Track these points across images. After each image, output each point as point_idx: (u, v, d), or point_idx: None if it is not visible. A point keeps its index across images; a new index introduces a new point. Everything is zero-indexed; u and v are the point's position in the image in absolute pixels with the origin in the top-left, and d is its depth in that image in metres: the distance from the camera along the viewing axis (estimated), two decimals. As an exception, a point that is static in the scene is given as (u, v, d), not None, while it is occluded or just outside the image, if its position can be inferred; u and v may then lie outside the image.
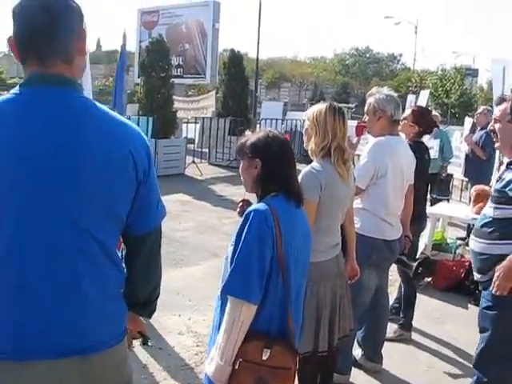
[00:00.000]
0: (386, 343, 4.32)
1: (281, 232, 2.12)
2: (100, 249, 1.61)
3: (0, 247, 1.50)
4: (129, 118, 12.44)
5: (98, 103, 1.65)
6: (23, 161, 1.48)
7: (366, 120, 3.98)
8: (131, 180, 1.64)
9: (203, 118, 16.90)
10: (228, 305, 2.12)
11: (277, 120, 17.36)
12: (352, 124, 4.81)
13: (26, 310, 1.52)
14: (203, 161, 15.82)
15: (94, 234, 1.58)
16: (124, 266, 1.80)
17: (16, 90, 1.57)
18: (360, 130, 4.52)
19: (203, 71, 19.02)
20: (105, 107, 1.66)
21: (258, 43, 26.13)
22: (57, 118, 1.53)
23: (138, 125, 12.54)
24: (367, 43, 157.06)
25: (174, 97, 14.95)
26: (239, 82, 17.07)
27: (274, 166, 2.27)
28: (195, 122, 18.23)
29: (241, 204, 2.88)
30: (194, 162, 14.54)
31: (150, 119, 12.66)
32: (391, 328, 4.72)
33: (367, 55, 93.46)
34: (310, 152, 3.10)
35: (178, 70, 19.18)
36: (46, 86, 1.56)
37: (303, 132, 3.23)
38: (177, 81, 16.83)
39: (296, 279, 2.22)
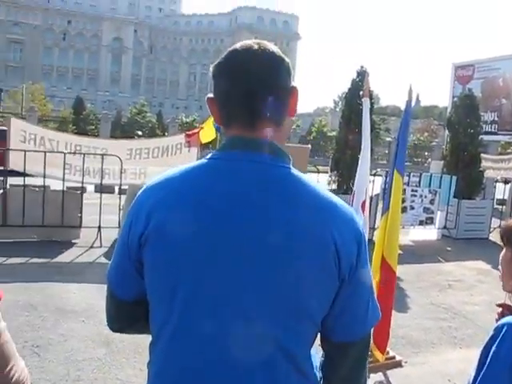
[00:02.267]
0: None
1: None
2: (285, 357, 1.35)
3: (165, 335, 1.39)
4: (431, 176, 12.62)
5: (303, 175, 1.43)
6: (198, 236, 1.34)
7: None
8: (331, 275, 1.36)
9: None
10: None
11: None
12: None
13: None
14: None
15: (277, 339, 1.34)
16: (319, 374, 1.51)
17: (212, 154, 1.47)
18: None
19: (522, 127, 18.04)
20: (311, 181, 1.43)
21: None
22: (246, 189, 1.36)
23: (441, 183, 12.60)
24: None
25: (483, 155, 14.47)
26: None
27: None
28: (505, 182, 17.31)
29: (500, 310, 2.29)
30: (500, 226, 13.59)
31: (454, 178, 12.54)
32: None
33: None
34: None
35: (492, 126, 18.43)
36: (243, 151, 1.40)
37: None
38: (489, 138, 16.22)
39: None
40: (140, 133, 46.80)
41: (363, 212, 4.97)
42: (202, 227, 1.34)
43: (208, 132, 10.65)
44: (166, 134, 37.49)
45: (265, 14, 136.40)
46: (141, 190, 1.48)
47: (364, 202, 4.94)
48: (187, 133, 11.43)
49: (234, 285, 1.33)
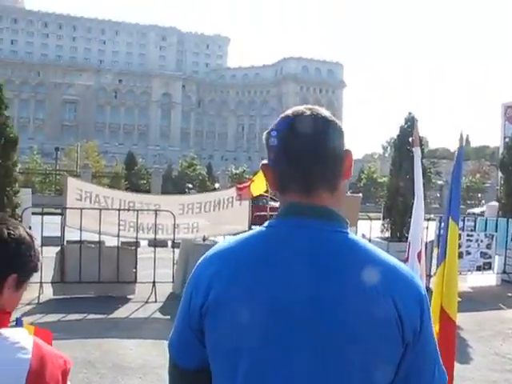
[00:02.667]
0: None
1: None
2: None
3: None
4: (486, 220, 12.34)
5: (360, 239, 1.43)
6: (255, 310, 1.34)
7: None
8: (395, 342, 1.33)
9: None
10: None
11: None
12: None
13: None
14: None
15: None
16: None
17: (268, 222, 1.47)
18: None
19: None
20: (368, 245, 1.43)
21: None
22: (301, 257, 1.36)
23: (497, 226, 12.31)
24: None
25: (541, 197, 14.10)
26: None
27: None
28: None
29: None
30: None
31: (511, 220, 12.21)
32: None
33: None
34: None
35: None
36: (299, 218, 1.41)
37: None
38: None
39: None
40: (190, 185, 47.57)
41: (419, 262, 4.91)
42: (259, 301, 1.34)
43: (259, 184, 10.76)
44: (217, 185, 37.94)
45: (309, 64, 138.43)
46: (200, 260, 1.51)
47: (420, 252, 4.89)
48: (238, 186, 11.58)
49: (289, 365, 1.31)
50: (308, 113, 1.46)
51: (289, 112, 1.50)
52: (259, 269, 1.38)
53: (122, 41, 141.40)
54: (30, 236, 1.62)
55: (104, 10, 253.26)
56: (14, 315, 1.64)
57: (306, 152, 1.42)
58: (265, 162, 1.51)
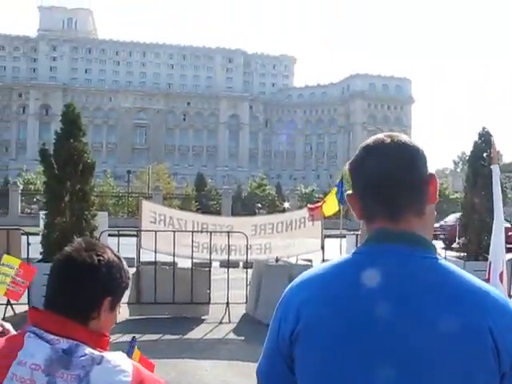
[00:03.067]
0: None
1: None
2: None
3: None
4: None
5: (450, 264, 1.42)
6: (346, 337, 1.36)
7: None
8: (490, 371, 1.28)
9: None
10: None
11: None
12: None
13: None
14: None
15: None
16: None
17: (356, 249, 1.50)
18: None
19: None
20: (459, 270, 1.41)
21: None
22: (390, 284, 1.36)
23: None
24: None
25: None
26: None
27: None
28: None
29: None
30: None
31: None
32: None
33: None
34: None
35: None
36: (386, 244, 1.42)
37: None
38: None
39: None
40: (260, 205, 47.80)
41: (501, 282, 4.79)
42: (349, 327, 1.36)
43: (331, 205, 10.75)
44: (286, 205, 37.97)
45: (376, 80, 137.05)
46: (288, 287, 1.53)
47: (502, 273, 4.77)
48: (310, 206, 11.58)
49: None
50: (388, 140, 1.48)
51: (369, 141, 1.53)
52: (348, 295, 1.39)
53: (190, 64, 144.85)
54: (118, 257, 1.69)
55: (172, 36, 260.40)
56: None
57: (390, 179, 1.43)
58: (349, 192, 1.54)
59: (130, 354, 1.92)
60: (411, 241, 1.42)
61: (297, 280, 1.53)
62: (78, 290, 1.58)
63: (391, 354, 1.31)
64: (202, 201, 46.26)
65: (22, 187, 42.67)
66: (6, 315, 8.95)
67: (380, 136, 1.52)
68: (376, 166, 1.46)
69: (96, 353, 1.51)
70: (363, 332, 1.34)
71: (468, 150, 13.60)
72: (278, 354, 1.49)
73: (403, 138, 1.50)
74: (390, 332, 1.33)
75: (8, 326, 2.20)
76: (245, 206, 45.09)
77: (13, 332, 2.14)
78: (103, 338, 1.61)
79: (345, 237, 13.56)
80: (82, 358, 1.49)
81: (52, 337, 1.51)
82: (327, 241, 11.88)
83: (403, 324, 1.32)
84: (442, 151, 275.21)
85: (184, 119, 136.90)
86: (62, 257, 1.64)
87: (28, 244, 10.34)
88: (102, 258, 1.62)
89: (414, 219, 1.45)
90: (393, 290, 1.36)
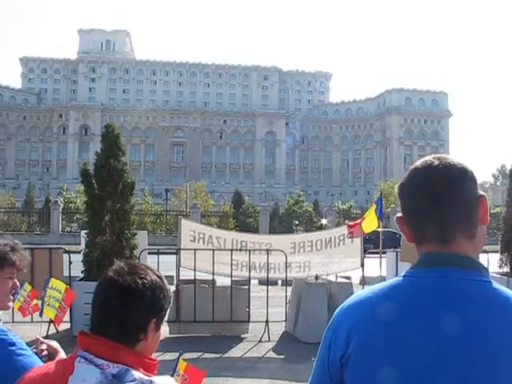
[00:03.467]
0: None
1: None
2: None
3: None
4: None
5: (504, 288, 1.40)
6: (396, 362, 1.34)
7: None
8: None
9: None
10: None
11: None
12: None
13: None
14: None
15: None
16: None
17: (406, 271, 1.48)
18: None
19: None
20: None
21: None
22: (441, 307, 1.35)
23: None
24: None
25: None
26: None
27: None
28: None
29: None
30: None
31: None
32: None
33: None
34: None
35: None
36: (436, 267, 1.41)
37: None
38: None
39: None
40: (297, 222, 47.71)
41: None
42: (400, 352, 1.34)
43: (370, 221, 10.66)
44: (324, 221, 37.80)
45: (412, 95, 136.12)
46: (338, 309, 1.52)
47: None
48: (349, 224, 11.52)
49: None
50: (436, 163, 1.47)
51: (418, 163, 1.53)
52: (400, 319, 1.37)
53: (226, 83, 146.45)
54: (160, 277, 1.70)
55: (207, 54, 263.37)
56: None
57: (441, 202, 1.43)
58: (399, 215, 1.53)
59: (175, 365, 1.96)
60: (464, 264, 1.41)
61: (346, 303, 1.52)
62: (126, 315, 1.60)
63: (444, 379, 1.30)
64: (240, 218, 46.40)
65: (62, 206, 43.54)
66: (49, 333, 9.11)
67: (428, 158, 1.52)
68: (423, 190, 1.46)
69: (145, 377, 1.53)
70: (416, 358, 1.33)
71: (508, 162, 13.34)
72: (329, 378, 1.48)
73: (452, 159, 1.50)
74: (442, 359, 1.31)
75: (55, 344, 2.26)
76: (282, 223, 45.09)
77: (60, 351, 2.19)
78: (151, 362, 1.63)
79: (385, 253, 13.43)
80: (132, 382, 1.51)
81: (102, 361, 1.54)
82: (366, 258, 11.76)
83: (457, 350, 1.30)
84: (481, 165, 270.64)
85: (220, 137, 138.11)
86: (105, 281, 1.65)
87: (70, 262, 10.53)
88: (145, 281, 1.64)
89: (466, 241, 1.44)
90: (448, 315, 1.33)
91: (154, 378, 1.55)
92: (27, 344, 2.11)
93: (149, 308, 1.63)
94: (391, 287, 1.46)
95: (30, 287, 3.36)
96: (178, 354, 2.09)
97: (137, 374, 1.53)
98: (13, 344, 2.01)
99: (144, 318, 1.62)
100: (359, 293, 1.54)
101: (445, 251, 1.43)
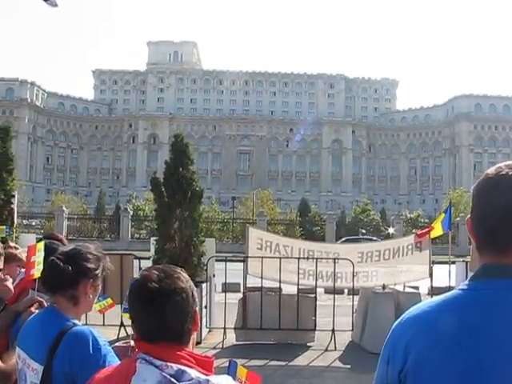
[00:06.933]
0: None
1: None
2: None
3: None
4: None
5: None
6: (459, 370, 1.32)
7: None
8: None
9: None
10: None
11: None
12: None
13: None
14: None
15: None
16: None
17: (464, 283, 1.45)
18: None
19: None
20: None
21: None
22: (503, 324, 1.32)
23: None
24: None
25: None
26: None
27: None
28: None
29: None
30: None
31: None
32: None
33: None
34: None
35: None
36: (496, 279, 1.37)
37: None
38: None
39: None
40: (364, 231, 47.14)
41: None
42: (460, 367, 1.31)
43: (437, 229, 10.41)
44: (391, 230, 37.18)
45: (482, 100, 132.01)
46: (395, 324, 1.50)
47: None
48: (417, 233, 11.29)
49: None
50: (505, 171, 1.44)
51: (492, 171, 1.48)
52: (460, 334, 1.34)
53: (292, 91, 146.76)
54: (187, 280, 1.77)
55: (273, 63, 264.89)
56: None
57: (504, 211, 1.38)
58: (469, 216, 1.50)
59: (232, 373, 2.00)
60: None
61: (405, 316, 1.49)
62: (174, 320, 1.69)
63: None
64: (306, 226, 46.25)
65: (131, 213, 44.63)
66: (120, 336, 9.36)
67: (502, 166, 1.48)
68: (491, 197, 1.43)
69: (202, 376, 1.58)
70: (474, 373, 1.29)
71: None
72: None
73: None
74: (506, 376, 1.27)
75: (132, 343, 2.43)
76: (349, 231, 44.62)
77: None
78: (207, 360, 1.69)
79: (454, 263, 13.09)
80: (189, 382, 1.56)
81: (160, 362, 1.61)
82: (435, 267, 11.49)
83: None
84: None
85: (287, 145, 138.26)
86: (143, 289, 1.72)
87: (139, 268, 10.79)
88: (181, 282, 1.73)
89: None
90: (505, 333, 1.30)
91: (211, 377, 1.59)
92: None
93: (182, 313, 1.72)
94: (449, 300, 1.43)
95: (111, 301, 3.47)
96: (231, 362, 2.11)
97: (194, 373, 1.59)
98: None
99: (182, 324, 1.71)
100: (417, 306, 1.50)
101: (505, 263, 1.38)
